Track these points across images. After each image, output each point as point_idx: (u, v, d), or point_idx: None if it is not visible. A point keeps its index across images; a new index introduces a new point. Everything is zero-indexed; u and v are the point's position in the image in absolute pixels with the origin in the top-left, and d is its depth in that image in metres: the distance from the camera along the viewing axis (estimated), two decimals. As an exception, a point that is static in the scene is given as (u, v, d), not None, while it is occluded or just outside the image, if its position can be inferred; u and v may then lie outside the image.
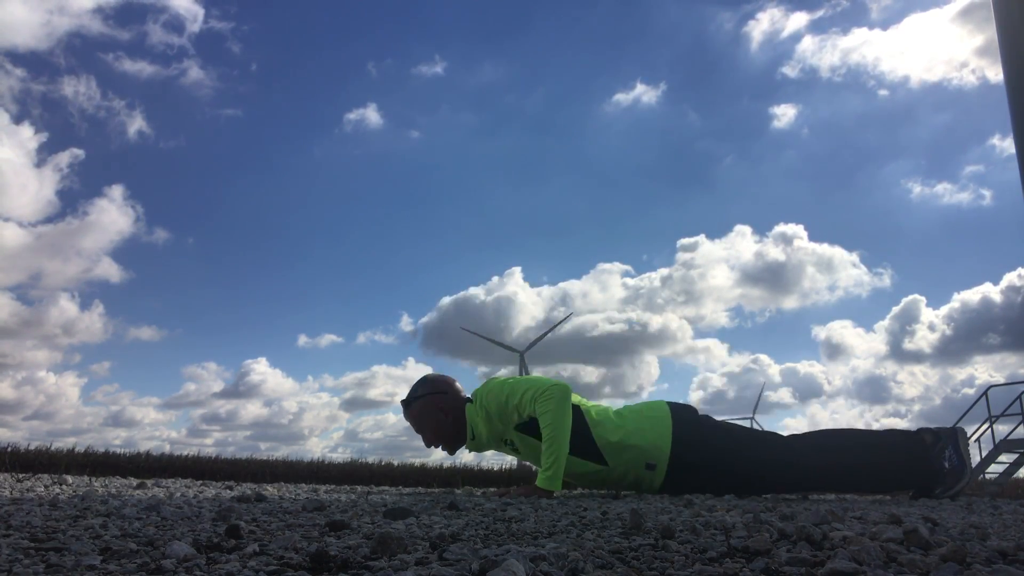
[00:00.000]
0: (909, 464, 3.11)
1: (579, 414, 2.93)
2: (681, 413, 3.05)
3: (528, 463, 3.10)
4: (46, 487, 2.78)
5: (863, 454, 3.10)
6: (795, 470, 3.03)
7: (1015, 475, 11.36)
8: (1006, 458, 11.82)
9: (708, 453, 2.97)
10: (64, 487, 2.86)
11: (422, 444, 3.10)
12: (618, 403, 3.47)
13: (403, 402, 3.11)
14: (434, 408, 3.02)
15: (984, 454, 11.77)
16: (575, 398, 3.00)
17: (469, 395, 3.09)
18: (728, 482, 2.89)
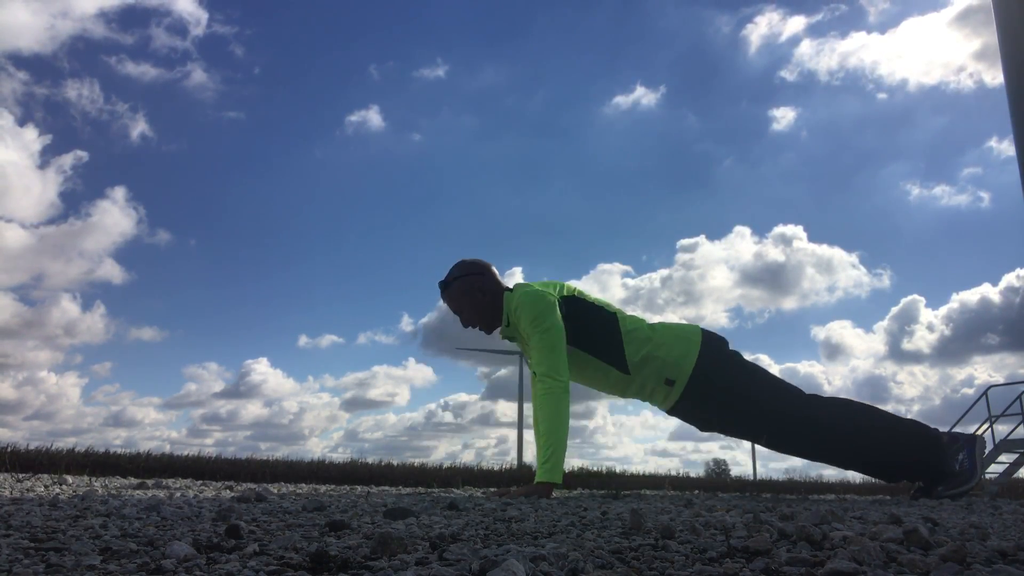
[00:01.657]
0: (920, 454, 3.09)
1: (613, 321, 2.97)
2: (713, 340, 3.09)
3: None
4: (46, 487, 2.78)
5: (880, 431, 3.08)
6: (808, 426, 3.02)
7: (1015, 475, 11.36)
8: (1006, 458, 11.83)
9: (727, 384, 3.00)
10: (64, 487, 2.86)
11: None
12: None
13: (441, 283, 3.11)
14: (473, 288, 3.04)
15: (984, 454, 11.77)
16: (613, 306, 3.06)
17: (509, 286, 3.09)
18: (739, 416, 2.91)
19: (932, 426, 3.19)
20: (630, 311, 3.17)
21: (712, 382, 2.97)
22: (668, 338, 3.02)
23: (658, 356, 2.97)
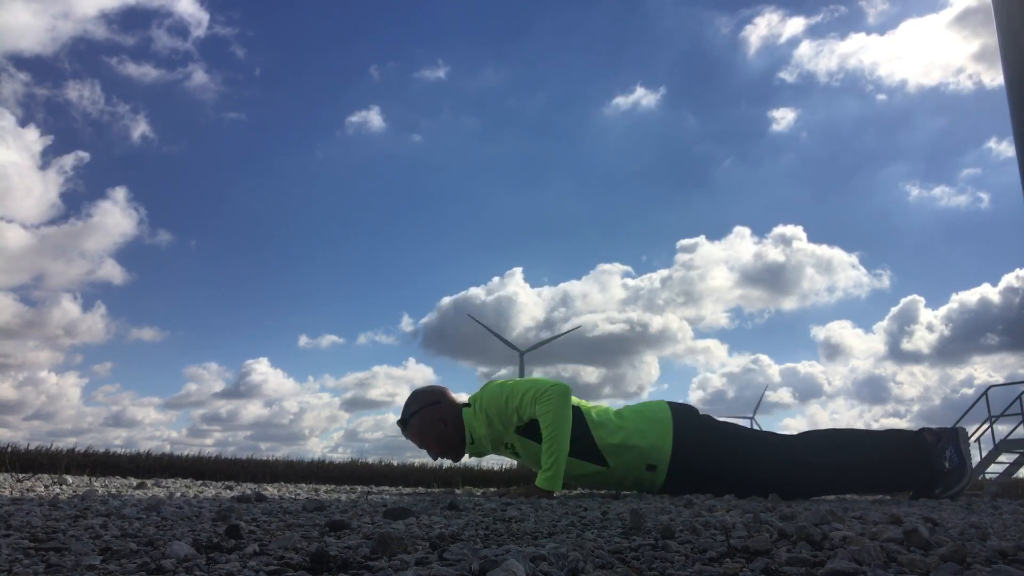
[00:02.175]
0: (910, 464, 3.11)
1: (579, 415, 2.92)
2: (682, 413, 3.04)
3: (528, 466, 3.11)
4: (46, 487, 2.78)
5: (864, 454, 3.10)
6: (796, 470, 3.02)
7: (1015, 475, 11.36)
8: (1006, 458, 11.83)
9: (709, 453, 2.97)
10: (64, 487, 2.86)
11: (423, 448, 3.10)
12: (618, 403, 3.47)
13: (399, 422, 3.10)
14: (432, 419, 3.01)
15: (984, 454, 11.77)
16: (575, 400, 3.00)
17: (465, 400, 3.09)
18: (729, 482, 2.89)
19: (911, 428, 3.22)
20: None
21: (694, 454, 2.95)
22: (639, 424, 2.97)
23: (634, 445, 2.91)
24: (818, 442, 3.14)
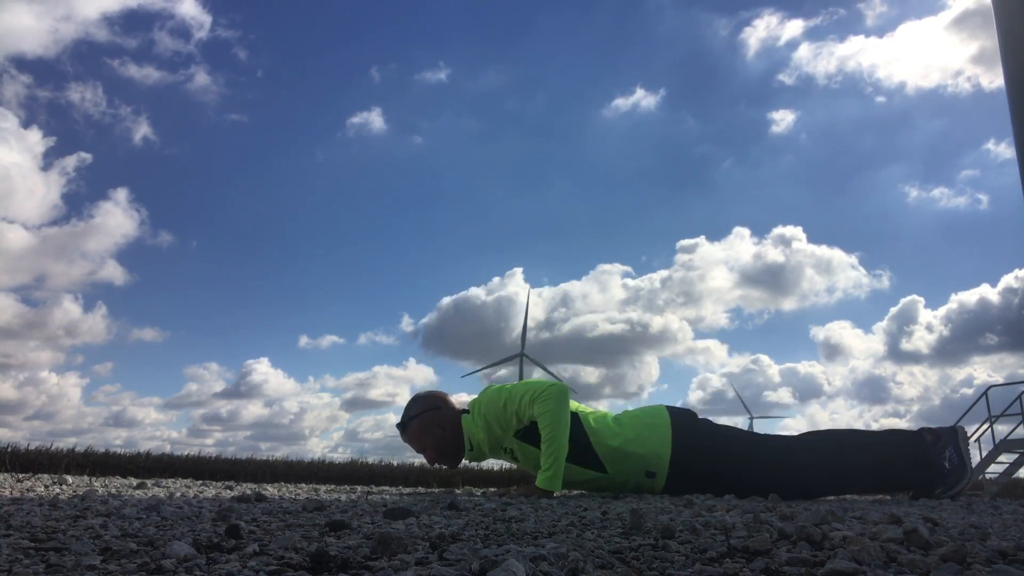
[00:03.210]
0: (910, 464, 3.11)
1: (577, 421, 2.91)
2: (681, 419, 3.03)
3: (528, 470, 3.10)
4: (46, 487, 2.78)
5: (863, 454, 3.10)
6: (796, 473, 3.02)
7: (1015, 475, 11.36)
8: (1006, 458, 11.83)
9: (708, 459, 2.96)
10: (64, 487, 2.86)
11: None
12: (618, 404, 3.49)
13: (398, 425, 3.10)
14: (431, 424, 3.01)
15: (984, 454, 11.77)
16: (573, 405, 2.99)
17: (465, 406, 3.09)
18: (729, 487, 2.89)
19: (911, 428, 3.22)
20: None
21: (693, 460, 2.94)
22: (638, 431, 2.95)
23: (633, 452, 2.90)
24: (818, 444, 3.13)
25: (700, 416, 3.18)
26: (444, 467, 3.14)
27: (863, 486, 3.25)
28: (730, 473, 2.96)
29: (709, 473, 2.94)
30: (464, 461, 3.12)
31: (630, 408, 3.22)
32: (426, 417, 3.03)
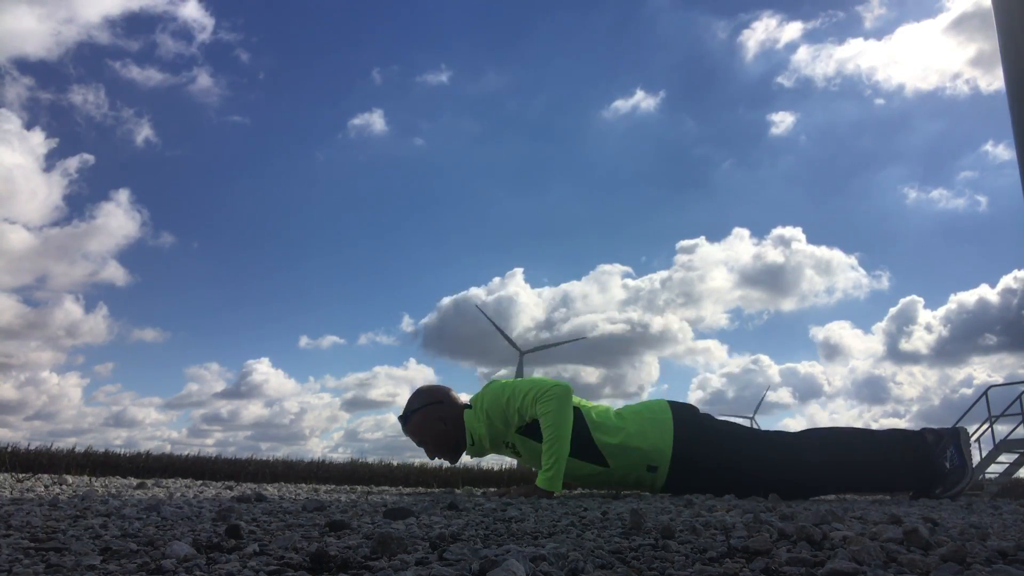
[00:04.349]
0: (911, 463, 3.11)
1: (579, 416, 2.91)
2: (682, 413, 3.03)
3: (529, 467, 3.10)
4: (46, 487, 2.78)
5: (865, 453, 3.10)
6: (797, 468, 3.02)
7: (1015, 475, 11.36)
8: (1006, 458, 11.82)
9: (710, 453, 2.96)
10: (64, 487, 2.86)
11: (423, 449, 3.10)
12: (618, 403, 3.46)
13: (400, 418, 3.09)
14: (432, 419, 3.00)
15: (984, 454, 11.77)
16: (575, 400, 2.99)
17: (467, 401, 3.08)
18: (730, 482, 2.89)
19: (912, 428, 3.23)
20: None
21: (695, 454, 2.94)
22: (640, 425, 2.96)
23: (635, 447, 2.90)
24: (819, 441, 3.13)
25: (701, 412, 3.19)
26: (444, 462, 3.12)
27: (864, 484, 3.25)
28: (731, 468, 2.96)
29: (711, 467, 2.94)
30: (465, 457, 3.12)
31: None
32: (428, 411, 3.02)
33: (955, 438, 3.13)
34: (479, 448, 3.03)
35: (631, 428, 2.94)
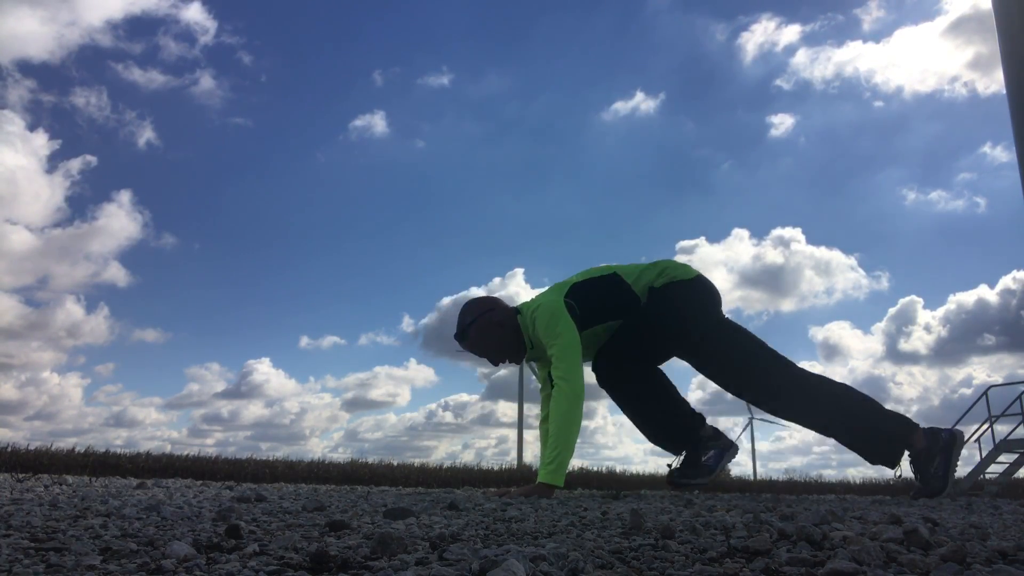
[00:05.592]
0: (894, 430, 3.15)
1: (618, 280, 3.09)
2: (708, 285, 3.24)
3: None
4: (46, 487, 2.78)
5: (859, 400, 3.16)
6: (798, 386, 3.13)
7: (1015, 475, 11.36)
8: (1006, 458, 11.81)
9: (718, 326, 3.19)
10: (64, 487, 2.86)
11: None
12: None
13: (456, 336, 3.11)
14: (492, 324, 3.04)
15: (984, 454, 11.76)
16: (612, 267, 3.19)
17: (516, 307, 3.14)
18: (732, 364, 3.14)
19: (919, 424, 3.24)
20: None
21: (706, 313, 3.16)
22: (671, 263, 3.20)
23: (664, 270, 3.14)
24: (818, 377, 3.23)
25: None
26: (511, 364, 3.18)
27: (851, 427, 3.21)
28: (737, 349, 3.18)
29: (717, 337, 3.17)
30: (525, 363, 3.17)
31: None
32: (484, 319, 3.05)
33: (947, 450, 3.12)
34: (538, 352, 3.06)
35: (662, 265, 3.20)
